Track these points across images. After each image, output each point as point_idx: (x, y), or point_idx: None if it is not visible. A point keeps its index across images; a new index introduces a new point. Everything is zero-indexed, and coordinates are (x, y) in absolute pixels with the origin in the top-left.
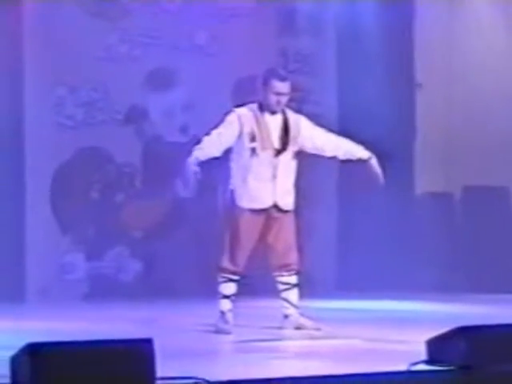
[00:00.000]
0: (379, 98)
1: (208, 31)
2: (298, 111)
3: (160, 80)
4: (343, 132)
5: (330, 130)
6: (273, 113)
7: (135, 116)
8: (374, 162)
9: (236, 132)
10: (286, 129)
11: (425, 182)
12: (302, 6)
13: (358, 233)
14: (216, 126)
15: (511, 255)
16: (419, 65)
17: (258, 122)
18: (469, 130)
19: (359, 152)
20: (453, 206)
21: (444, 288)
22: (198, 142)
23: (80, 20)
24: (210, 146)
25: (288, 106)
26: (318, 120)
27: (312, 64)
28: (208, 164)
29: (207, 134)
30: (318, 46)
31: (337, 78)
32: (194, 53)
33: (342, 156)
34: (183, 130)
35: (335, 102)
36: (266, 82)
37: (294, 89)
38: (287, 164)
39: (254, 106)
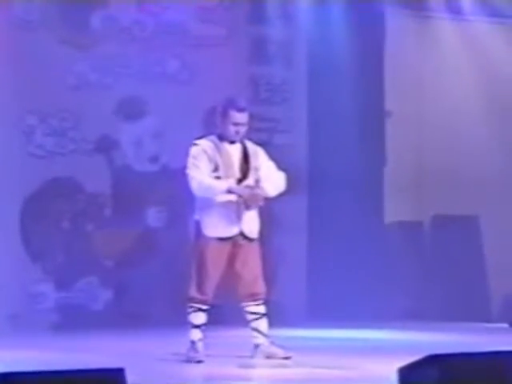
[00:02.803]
0: (350, 125)
1: (179, 60)
2: (269, 141)
3: (131, 109)
4: (313, 160)
5: (300, 159)
6: (232, 142)
7: (106, 145)
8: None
9: (206, 162)
10: (245, 158)
11: (394, 210)
12: (273, 35)
13: (329, 261)
14: (186, 156)
15: (480, 283)
16: (389, 92)
17: (219, 151)
18: (438, 159)
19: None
20: (422, 234)
21: (414, 316)
22: (168, 171)
23: (50, 48)
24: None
25: (259, 136)
26: (288, 149)
27: (283, 93)
28: (179, 194)
29: (196, 179)
30: (289, 74)
31: (307, 107)
32: (164, 81)
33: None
34: (153, 159)
35: (305, 131)
36: (224, 113)
37: (264, 119)
38: None
39: (213, 136)
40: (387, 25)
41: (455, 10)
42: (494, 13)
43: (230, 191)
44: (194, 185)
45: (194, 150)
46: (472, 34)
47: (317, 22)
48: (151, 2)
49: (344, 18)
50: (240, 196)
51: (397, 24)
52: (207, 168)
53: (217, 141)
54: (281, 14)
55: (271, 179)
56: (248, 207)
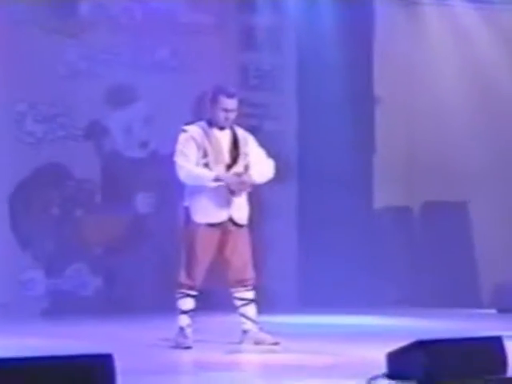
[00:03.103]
0: (339, 112)
1: (169, 47)
2: (259, 127)
3: (120, 96)
4: (303, 146)
5: (290, 145)
6: (221, 128)
7: (95, 132)
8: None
9: (193, 149)
10: (235, 143)
11: (384, 196)
12: (262, 22)
13: (319, 248)
14: (175, 143)
15: (469, 270)
16: (379, 79)
17: (208, 137)
18: (428, 145)
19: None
20: (412, 220)
21: (404, 302)
22: (157, 157)
23: (40, 36)
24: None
25: (249, 122)
26: (278, 135)
27: (272, 79)
28: (168, 180)
29: (183, 167)
30: (278, 61)
31: (297, 93)
32: (154, 69)
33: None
34: (143, 145)
35: (295, 117)
36: (214, 99)
37: (254, 105)
38: None
39: (202, 122)
40: (376, 11)
41: None
42: None
43: (217, 179)
44: (182, 174)
45: (182, 137)
46: (461, 20)
47: (305, 9)
48: None
49: (333, 4)
50: (227, 184)
51: (386, 10)
52: (195, 155)
53: (206, 127)
54: (269, 1)
55: (259, 166)
56: (234, 194)
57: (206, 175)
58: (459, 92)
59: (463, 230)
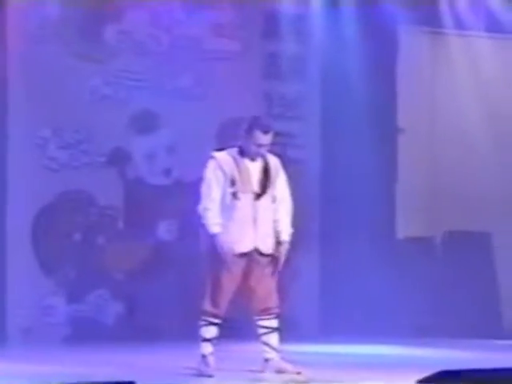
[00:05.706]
0: (362, 142)
1: (193, 74)
2: (281, 155)
3: (144, 122)
4: (326, 177)
5: (313, 173)
6: (253, 159)
7: (118, 158)
8: (284, 247)
9: (221, 178)
10: (265, 172)
11: (406, 226)
12: (286, 50)
13: (340, 277)
14: (198, 170)
15: (491, 300)
16: (402, 108)
17: (237, 166)
18: (450, 175)
19: (283, 232)
20: (434, 250)
21: (426, 332)
22: (181, 185)
23: (65, 61)
24: (214, 206)
25: (271, 150)
26: (301, 163)
27: (296, 108)
28: (191, 207)
29: (203, 200)
30: (303, 89)
31: (320, 122)
32: (178, 95)
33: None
34: (166, 172)
35: (318, 146)
36: (249, 131)
37: (277, 133)
38: (267, 207)
39: (234, 150)
40: (400, 41)
41: (468, 27)
42: (507, 29)
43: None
44: (200, 206)
45: (210, 165)
46: (485, 51)
47: (330, 38)
48: (165, 17)
49: (357, 34)
50: None
51: (409, 40)
52: (221, 185)
53: (237, 155)
54: (294, 29)
55: (283, 226)
56: None
57: (211, 227)
58: (482, 122)
59: (486, 260)
